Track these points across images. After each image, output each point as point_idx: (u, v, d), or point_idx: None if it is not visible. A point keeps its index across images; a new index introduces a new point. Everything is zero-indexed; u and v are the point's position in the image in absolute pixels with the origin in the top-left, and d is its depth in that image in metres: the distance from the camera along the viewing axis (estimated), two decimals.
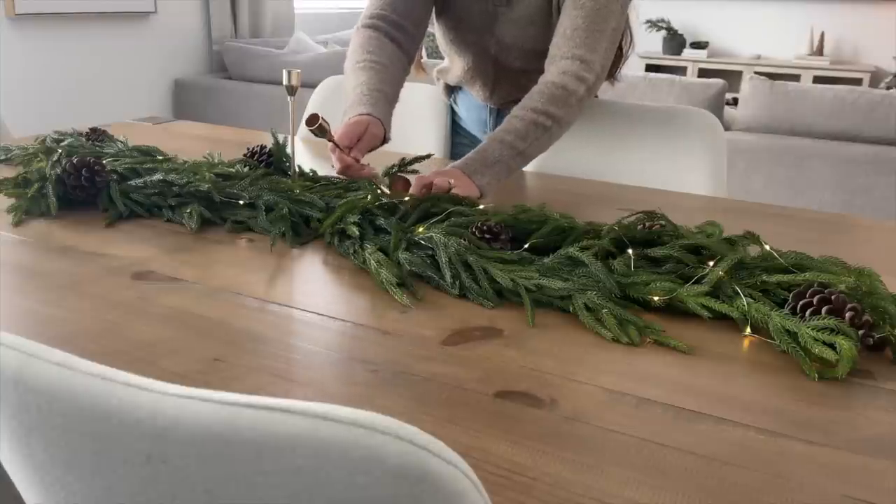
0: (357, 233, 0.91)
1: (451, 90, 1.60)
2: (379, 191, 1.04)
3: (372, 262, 0.85)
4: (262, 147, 1.24)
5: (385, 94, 1.22)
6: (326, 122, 1.12)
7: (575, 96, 1.18)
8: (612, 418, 0.59)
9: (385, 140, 1.21)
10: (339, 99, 1.71)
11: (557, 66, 1.20)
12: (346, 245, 0.91)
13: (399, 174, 1.17)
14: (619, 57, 1.38)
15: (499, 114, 1.50)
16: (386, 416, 0.33)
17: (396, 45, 1.31)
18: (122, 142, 1.34)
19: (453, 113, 1.63)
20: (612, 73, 1.41)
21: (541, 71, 1.26)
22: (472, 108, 1.55)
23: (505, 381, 0.64)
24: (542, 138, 1.17)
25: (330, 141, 1.13)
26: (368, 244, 0.88)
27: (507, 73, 1.40)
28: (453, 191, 1.04)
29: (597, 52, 1.20)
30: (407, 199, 1.00)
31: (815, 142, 2.79)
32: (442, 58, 1.55)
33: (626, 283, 0.79)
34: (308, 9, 4.89)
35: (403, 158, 1.23)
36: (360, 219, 0.95)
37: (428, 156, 1.26)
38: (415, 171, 1.15)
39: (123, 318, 0.73)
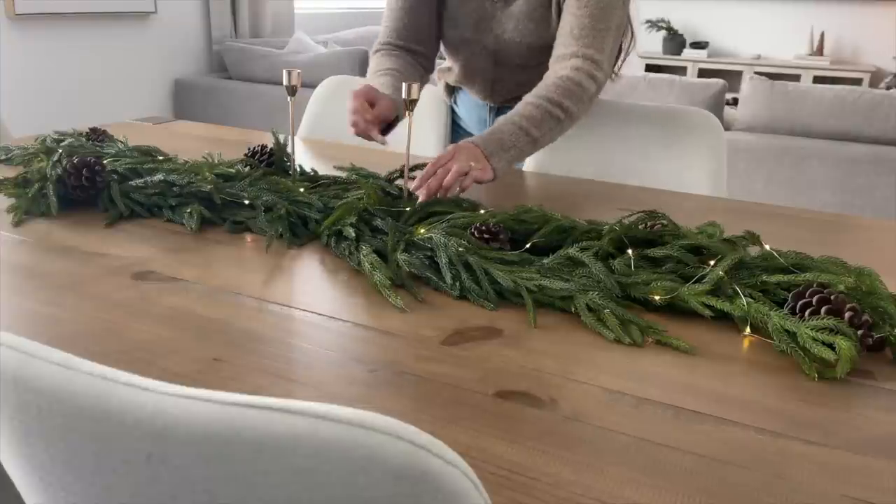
0: (353, 234, 0.91)
1: (452, 90, 1.60)
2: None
3: (366, 263, 0.85)
4: (263, 147, 1.24)
5: (399, 91, 1.24)
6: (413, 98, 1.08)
7: (587, 94, 1.20)
8: (612, 418, 0.59)
9: (397, 119, 1.24)
10: (340, 99, 1.71)
11: (569, 63, 1.21)
12: (343, 246, 0.91)
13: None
14: (619, 53, 1.38)
15: (498, 112, 1.50)
16: (386, 416, 0.33)
17: (411, 59, 1.38)
18: (122, 142, 1.34)
19: (454, 113, 1.63)
20: (613, 69, 1.41)
21: (540, 66, 1.26)
22: (473, 108, 1.56)
23: (505, 381, 0.64)
24: (555, 130, 1.17)
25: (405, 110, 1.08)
26: (364, 246, 0.88)
27: (506, 69, 1.40)
28: (472, 173, 1.04)
29: (604, 52, 1.22)
30: (418, 196, 1.01)
31: (815, 142, 2.79)
32: (444, 59, 1.55)
33: (627, 283, 0.79)
34: (308, 9, 4.89)
35: (403, 167, 1.21)
36: (357, 220, 0.95)
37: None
38: (414, 178, 1.15)
39: (123, 318, 0.73)
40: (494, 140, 1.11)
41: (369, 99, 1.17)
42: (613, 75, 1.42)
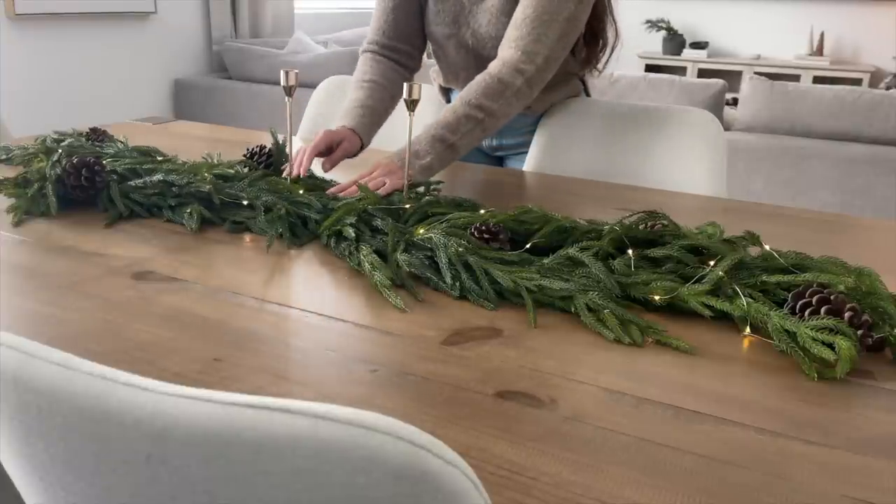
0: (353, 234, 0.91)
1: (447, 91, 1.60)
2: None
3: (366, 263, 0.85)
4: (262, 147, 1.24)
5: (370, 108, 1.32)
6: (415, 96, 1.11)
7: (511, 89, 1.21)
8: (612, 418, 0.59)
9: (362, 147, 1.29)
10: (340, 99, 1.71)
11: (501, 56, 1.24)
12: (343, 247, 0.91)
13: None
14: (601, 47, 1.39)
15: None
16: (386, 416, 0.33)
17: (393, 62, 1.42)
18: (121, 142, 1.34)
19: None
20: (593, 63, 1.43)
21: None
22: None
23: (505, 381, 0.64)
24: (475, 131, 1.21)
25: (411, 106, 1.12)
26: (364, 246, 0.88)
27: (486, 63, 1.41)
28: (388, 185, 1.09)
29: (542, 43, 1.22)
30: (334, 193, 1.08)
31: (814, 142, 2.79)
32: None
33: (627, 283, 0.79)
34: (308, 9, 4.89)
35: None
36: (357, 220, 0.95)
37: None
38: (419, 193, 1.15)
39: (123, 318, 0.73)
40: (410, 151, 1.16)
41: (328, 143, 1.21)
42: (597, 71, 1.44)
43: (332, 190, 1.10)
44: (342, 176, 1.17)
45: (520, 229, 0.92)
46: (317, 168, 1.23)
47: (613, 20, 1.38)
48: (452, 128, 1.18)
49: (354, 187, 1.08)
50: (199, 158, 1.22)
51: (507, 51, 1.23)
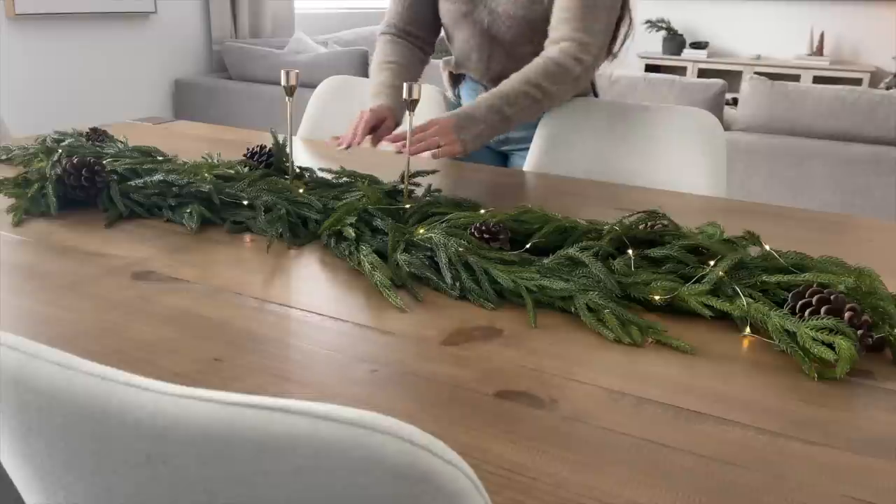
0: (353, 234, 0.91)
1: (455, 82, 1.60)
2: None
3: (366, 263, 0.85)
4: (262, 147, 1.24)
5: (398, 89, 1.38)
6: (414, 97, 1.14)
7: (571, 75, 1.26)
8: (612, 418, 0.59)
9: (397, 125, 1.36)
10: (340, 99, 1.71)
11: (557, 46, 1.28)
12: (343, 247, 0.91)
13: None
14: (616, 37, 1.41)
15: None
16: (386, 416, 0.33)
17: (411, 44, 1.49)
18: (122, 142, 1.34)
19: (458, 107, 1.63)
20: (609, 51, 1.43)
21: (532, 42, 1.34)
22: (475, 96, 1.56)
23: (505, 381, 0.64)
24: (531, 108, 1.25)
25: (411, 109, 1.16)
26: (364, 246, 0.88)
27: (500, 44, 1.43)
28: (443, 148, 1.14)
29: (593, 34, 1.27)
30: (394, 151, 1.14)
31: (815, 142, 2.79)
32: (442, 56, 1.57)
33: (627, 283, 0.79)
34: (308, 9, 4.89)
35: (403, 172, 1.20)
36: (357, 220, 0.95)
37: (433, 171, 1.26)
38: (417, 185, 1.15)
39: (123, 318, 0.73)
40: (465, 116, 1.20)
41: (379, 120, 1.28)
42: (612, 57, 1.45)
43: (388, 137, 1.16)
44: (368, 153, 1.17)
45: (520, 229, 0.92)
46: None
47: (629, 11, 1.40)
48: (510, 101, 1.22)
49: (406, 141, 1.13)
50: (199, 158, 1.22)
51: (564, 43, 1.27)
